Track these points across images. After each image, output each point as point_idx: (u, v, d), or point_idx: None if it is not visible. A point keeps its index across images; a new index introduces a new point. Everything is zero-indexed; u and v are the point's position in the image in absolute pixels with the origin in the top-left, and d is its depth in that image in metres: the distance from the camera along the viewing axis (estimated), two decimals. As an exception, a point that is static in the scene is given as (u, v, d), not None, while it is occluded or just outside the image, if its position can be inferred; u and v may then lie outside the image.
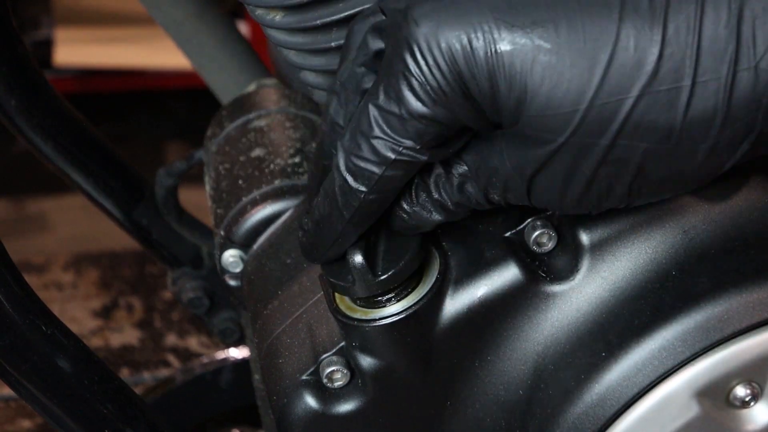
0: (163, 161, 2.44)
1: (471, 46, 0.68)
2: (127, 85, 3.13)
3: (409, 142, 0.71)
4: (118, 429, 0.93)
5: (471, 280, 0.84)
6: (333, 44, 0.89)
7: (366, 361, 0.85)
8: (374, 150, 0.71)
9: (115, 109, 3.10)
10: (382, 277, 0.80)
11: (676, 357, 0.80)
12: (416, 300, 0.83)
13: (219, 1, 1.42)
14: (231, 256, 1.02)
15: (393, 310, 0.83)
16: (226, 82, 1.37)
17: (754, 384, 0.80)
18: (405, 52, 0.69)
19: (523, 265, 0.83)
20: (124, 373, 1.80)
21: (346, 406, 0.87)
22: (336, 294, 0.85)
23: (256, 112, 1.12)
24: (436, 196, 0.77)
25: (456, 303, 0.84)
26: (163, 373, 1.77)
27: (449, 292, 0.84)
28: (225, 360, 1.44)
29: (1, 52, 1.20)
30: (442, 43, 0.68)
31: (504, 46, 0.67)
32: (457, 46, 0.68)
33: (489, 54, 0.67)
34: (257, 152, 1.07)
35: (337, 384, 0.86)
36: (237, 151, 1.09)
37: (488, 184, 0.75)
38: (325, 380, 0.86)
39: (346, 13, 0.88)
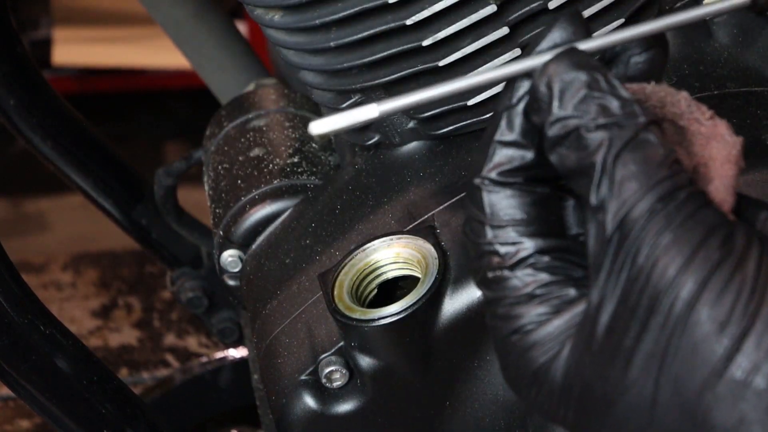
0: (163, 161, 2.44)
1: None
2: (127, 85, 3.13)
3: None
4: (117, 429, 0.93)
5: (470, 280, 0.84)
6: (332, 44, 0.89)
7: (365, 361, 0.85)
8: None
9: (115, 109, 3.10)
10: None
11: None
12: (415, 300, 0.83)
13: (218, 1, 1.42)
14: (230, 256, 1.02)
15: (392, 310, 0.83)
16: (226, 81, 1.37)
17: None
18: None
19: (522, 265, 0.83)
20: (123, 373, 1.79)
21: (345, 406, 0.87)
22: (335, 294, 0.85)
23: (255, 111, 1.12)
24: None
25: (455, 303, 0.84)
26: (162, 373, 1.77)
27: (448, 293, 0.84)
28: (224, 360, 1.44)
29: None
30: None
31: None
32: None
33: None
34: (256, 152, 1.07)
35: (336, 384, 0.86)
36: (236, 150, 1.09)
37: None
38: (324, 380, 0.86)
39: (345, 13, 0.88)
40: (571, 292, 0.65)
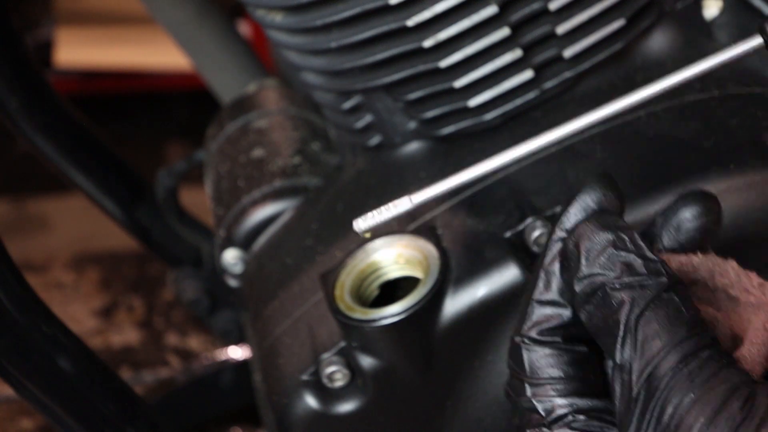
0: (164, 162, 2.43)
1: None
2: (129, 86, 3.13)
3: None
4: (118, 428, 0.93)
5: (471, 280, 0.84)
6: (333, 45, 0.90)
7: (366, 362, 0.85)
8: None
9: (117, 109, 3.10)
10: None
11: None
12: (416, 301, 0.83)
13: (219, 1, 1.42)
14: (231, 257, 1.02)
15: (393, 310, 0.83)
16: (227, 82, 1.37)
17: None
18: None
19: (523, 265, 0.83)
20: (125, 373, 1.80)
21: (346, 406, 0.87)
22: (336, 294, 0.85)
23: (257, 112, 1.12)
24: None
25: (456, 303, 0.84)
26: (164, 373, 1.77)
27: (449, 293, 0.84)
28: (225, 360, 1.44)
29: (1, 53, 1.20)
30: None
31: None
32: None
33: None
34: (257, 152, 1.07)
35: (337, 384, 0.86)
36: (237, 151, 1.09)
37: None
38: (325, 380, 0.86)
39: (346, 14, 0.88)
40: None
